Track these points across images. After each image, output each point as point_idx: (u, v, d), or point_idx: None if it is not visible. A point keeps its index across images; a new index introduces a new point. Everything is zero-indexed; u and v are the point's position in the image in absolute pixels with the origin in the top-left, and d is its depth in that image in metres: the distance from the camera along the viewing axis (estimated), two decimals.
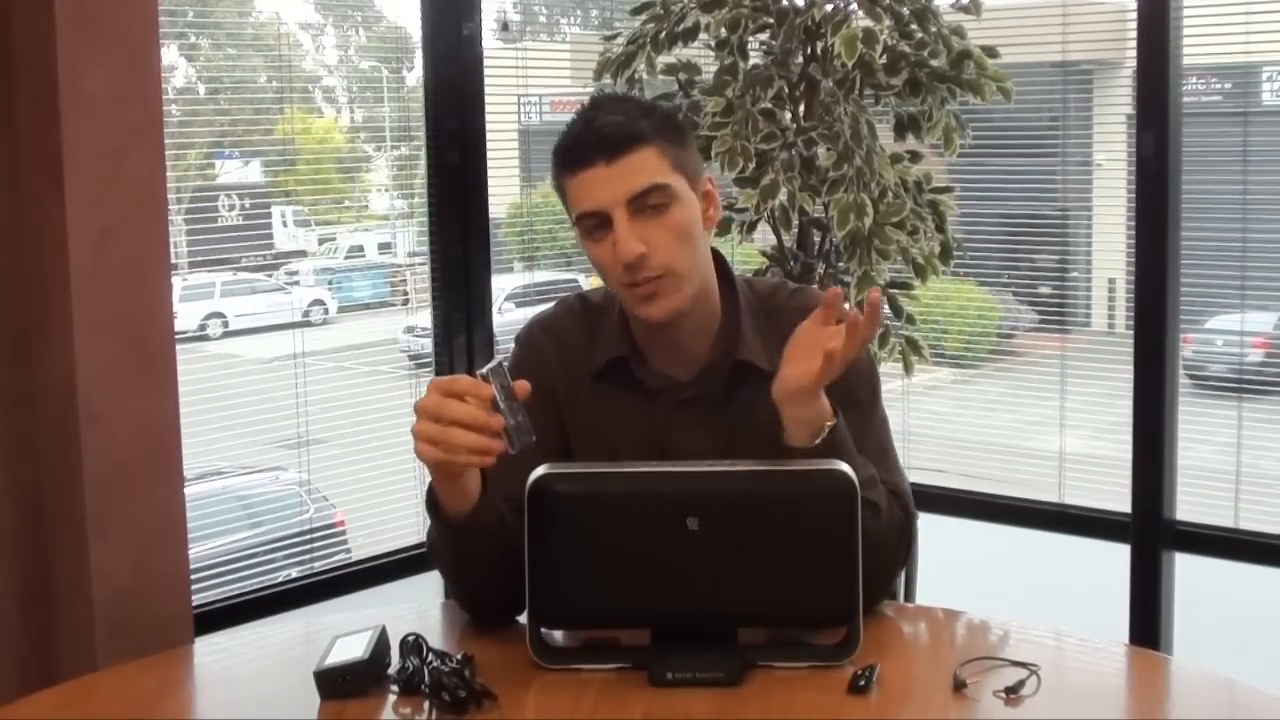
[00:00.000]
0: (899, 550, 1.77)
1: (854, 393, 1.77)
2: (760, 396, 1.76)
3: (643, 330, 1.81)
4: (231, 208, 3.26)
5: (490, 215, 3.18)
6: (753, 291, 1.86)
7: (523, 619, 1.63)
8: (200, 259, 3.28)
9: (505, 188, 3.42)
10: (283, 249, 3.44)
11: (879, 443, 1.82)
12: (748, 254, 3.28)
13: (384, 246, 3.66)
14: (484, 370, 1.56)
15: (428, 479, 1.67)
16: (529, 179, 3.57)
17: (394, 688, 1.56)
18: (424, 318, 3.21)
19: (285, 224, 3.38)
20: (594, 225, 1.72)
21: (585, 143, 1.72)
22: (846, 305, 2.95)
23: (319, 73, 3.56)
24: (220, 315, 3.36)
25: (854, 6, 2.95)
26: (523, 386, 1.56)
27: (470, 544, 1.66)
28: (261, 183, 3.27)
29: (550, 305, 1.95)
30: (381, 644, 1.59)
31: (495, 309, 3.19)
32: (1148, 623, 3.03)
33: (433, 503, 1.67)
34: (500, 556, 1.63)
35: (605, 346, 1.83)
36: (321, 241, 3.58)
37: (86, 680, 1.77)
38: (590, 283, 3.43)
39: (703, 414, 1.80)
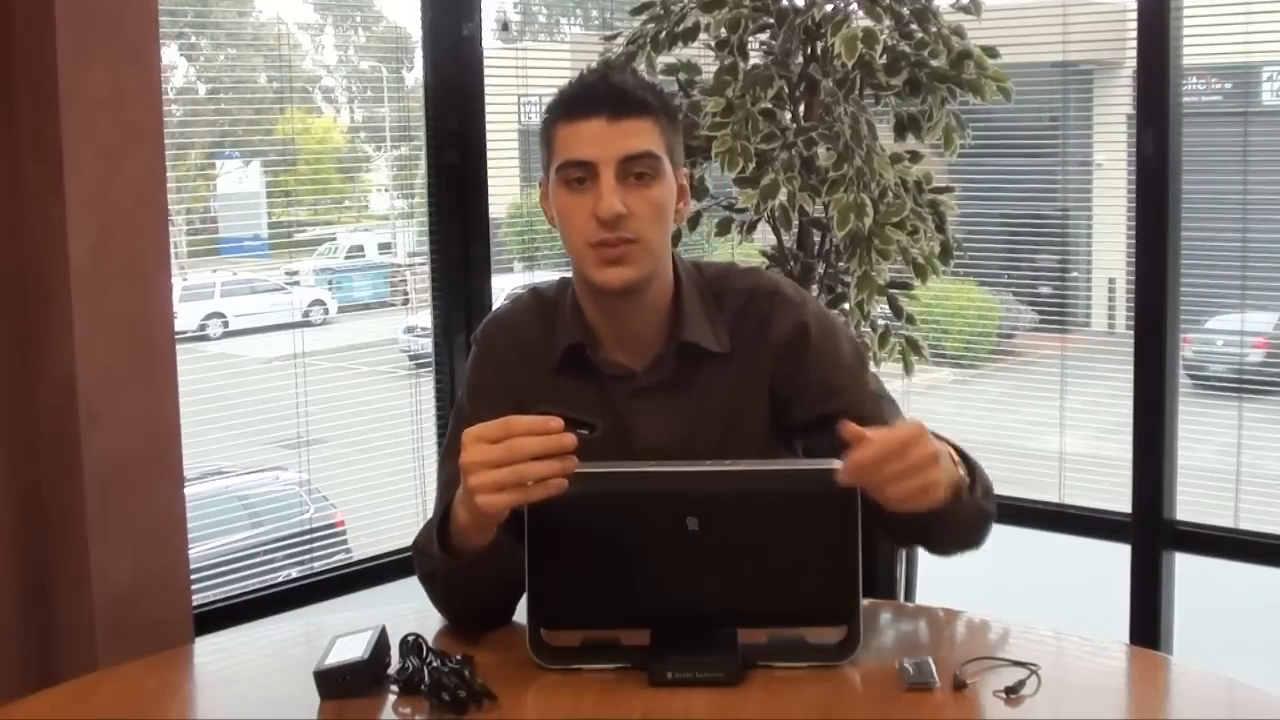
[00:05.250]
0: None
1: (831, 380, 1.79)
2: (714, 381, 1.78)
3: (596, 314, 1.80)
4: None
5: (490, 215, 3.18)
6: (701, 275, 1.86)
7: (522, 619, 1.62)
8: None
9: (505, 188, 3.42)
10: None
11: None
12: (748, 254, 3.28)
13: (384, 246, 3.66)
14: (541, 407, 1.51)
15: (431, 516, 1.65)
16: (529, 179, 3.57)
17: (394, 688, 1.56)
18: (424, 318, 3.21)
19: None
20: (577, 177, 1.72)
21: (593, 95, 1.73)
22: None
23: (319, 73, 3.56)
24: (220, 315, 3.36)
25: (854, 6, 2.95)
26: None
27: (486, 573, 1.65)
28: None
29: (502, 303, 1.94)
30: (381, 644, 1.59)
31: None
32: (1148, 623, 3.03)
33: (445, 544, 1.65)
34: (509, 575, 1.62)
35: (561, 336, 1.82)
36: (320, 242, 3.58)
37: (86, 680, 1.77)
38: None
39: (661, 401, 1.80)
